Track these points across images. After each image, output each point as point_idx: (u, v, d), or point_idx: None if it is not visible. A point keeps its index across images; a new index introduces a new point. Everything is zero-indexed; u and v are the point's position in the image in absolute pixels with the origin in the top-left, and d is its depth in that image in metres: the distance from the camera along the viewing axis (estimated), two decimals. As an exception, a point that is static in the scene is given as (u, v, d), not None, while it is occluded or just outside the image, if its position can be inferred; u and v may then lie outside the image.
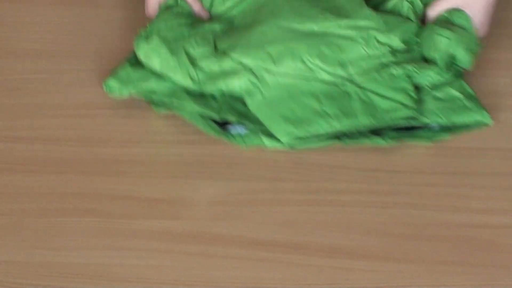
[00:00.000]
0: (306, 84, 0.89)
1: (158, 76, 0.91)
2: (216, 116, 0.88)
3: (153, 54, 0.91)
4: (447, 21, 0.93)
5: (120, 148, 0.90)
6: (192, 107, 0.89)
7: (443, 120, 0.89)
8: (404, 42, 0.91)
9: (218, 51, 0.91)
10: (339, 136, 0.87)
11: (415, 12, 0.95)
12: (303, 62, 0.89)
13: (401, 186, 0.86)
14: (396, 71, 0.89)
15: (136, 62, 0.93)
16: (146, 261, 0.80)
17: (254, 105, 0.89)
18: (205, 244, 0.81)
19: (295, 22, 0.92)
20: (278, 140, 0.87)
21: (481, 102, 0.91)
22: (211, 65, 0.90)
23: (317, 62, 0.89)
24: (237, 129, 0.89)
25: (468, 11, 0.93)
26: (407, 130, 0.89)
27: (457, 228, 0.82)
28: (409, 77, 0.89)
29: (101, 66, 0.98)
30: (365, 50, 0.90)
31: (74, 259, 0.80)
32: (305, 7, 0.94)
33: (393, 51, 0.91)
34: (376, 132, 0.88)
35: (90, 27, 1.04)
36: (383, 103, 0.88)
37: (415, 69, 0.89)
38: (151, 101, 0.91)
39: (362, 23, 0.92)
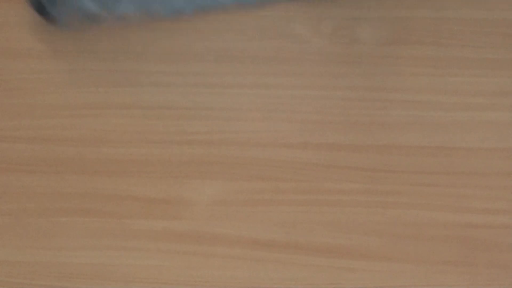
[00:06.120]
0: None
1: None
2: None
3: None
4: None
5: (120, 148, 0.90)
6: None
7: None
8: None
9: None
10: None
11: None
12: None
13: (401, 186, 0.86)
14: None
15: None
16: (146, 261, 0.80)
17: None
18: (205, 244, 0.81)
19: None
20: None
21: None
22: None
23: None
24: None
25: None
26: None
27: (457, 228, 0.82)
28: None
29: (101, 65, 0.98)
30: None
31: (74, 259, 0.80)
32: None
33: None
34: None
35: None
36: None
37: None
38: None
39: None
